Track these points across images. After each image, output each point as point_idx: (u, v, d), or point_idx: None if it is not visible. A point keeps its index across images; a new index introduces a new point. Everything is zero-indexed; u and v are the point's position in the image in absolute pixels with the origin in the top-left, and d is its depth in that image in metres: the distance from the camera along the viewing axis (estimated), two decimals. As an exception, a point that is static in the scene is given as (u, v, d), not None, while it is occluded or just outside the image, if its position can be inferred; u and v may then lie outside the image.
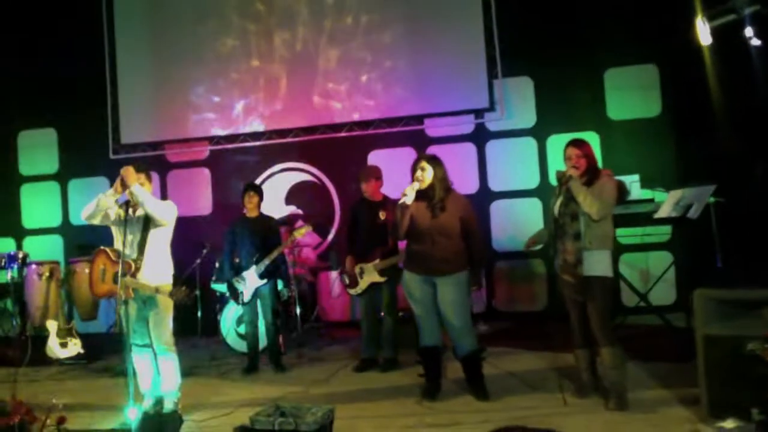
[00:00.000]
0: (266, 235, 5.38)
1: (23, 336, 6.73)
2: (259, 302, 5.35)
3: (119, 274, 3.74)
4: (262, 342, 5.44)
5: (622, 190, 4.97)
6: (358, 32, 7.33)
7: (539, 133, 6.94)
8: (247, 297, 5.30)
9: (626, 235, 6.45)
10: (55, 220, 8.14)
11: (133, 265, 3.85)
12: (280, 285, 6.25)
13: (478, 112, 7.02)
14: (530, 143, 6.98)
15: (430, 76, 7.02)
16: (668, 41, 6.24)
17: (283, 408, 3.42)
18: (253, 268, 5.24)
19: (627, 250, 6.63)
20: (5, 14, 7.87)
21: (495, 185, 7.08)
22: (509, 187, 7.01)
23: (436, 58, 7.01)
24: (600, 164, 6.48)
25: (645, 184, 5.54)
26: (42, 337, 6.10)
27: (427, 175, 4.00)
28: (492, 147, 7.09)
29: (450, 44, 6.98)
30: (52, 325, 5.99)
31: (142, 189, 3.93)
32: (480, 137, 7.10)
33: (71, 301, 6.89)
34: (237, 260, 5.40)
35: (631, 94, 6.74)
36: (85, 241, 7.07)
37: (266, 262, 5.23)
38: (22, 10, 7.87)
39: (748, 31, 3.92)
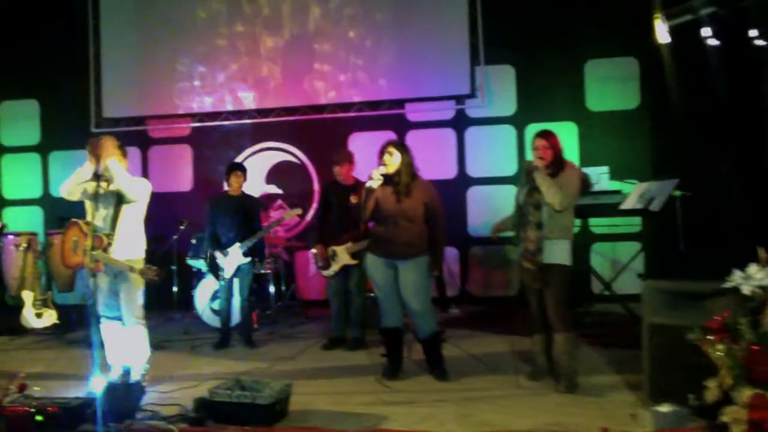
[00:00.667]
0: (248, 213, 5.46)
1: None
2: (236, 279, 5.44)
3: (89, 248, 3.81)
4: (235, 318, 5.55)
5: (585, 183, 5.06)
6: (343, 15, 7.36)
7: (519, 121, 7.02)
8: (228, 273, 5.38)
9: (598, 225, 6.60)
10: (36, 192, 8.16)
11: (105, 240, 3.91)
12: (259, 262, 6.34)
13: (459, 99, 7.09)
14: (509, 131, 7.06)
15: (413, 61, 7.08)
16: (649, 35, 6.30)
17: (243, 382, 3.52)
18: (237, 245, 5.32)
19: (598, 240, 6.76)
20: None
21: (473, 171, 7.17)
22: (487, 173, 7.10)
23: (419, 43, 7.06)
24: (577, 154, 6.72)
25: (616, 175, 5.66)
26: (18, 306, 6.17)
27: (393, 159, 4.08)
28: (471, 133, 7.17)
29: (434, 30, 7.02)
30: (27, 296, 6.05)
31: (118, 164, 3.98)
32: (460, 123, 7.18)
33: (48, 273, 6.94)
34: (218, 237, 5.46)
35: (610, 86, 6.82)
36: (65, 214, 7.01)
37: (252, 240, 5.32)
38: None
39: (706, 31, 3.99)
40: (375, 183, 4.00)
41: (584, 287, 6.54)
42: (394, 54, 7.18)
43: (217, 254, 5.41)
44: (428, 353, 4.18)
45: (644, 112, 6.71)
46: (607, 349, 4.66)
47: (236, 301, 5.49)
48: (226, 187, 5.64)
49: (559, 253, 3.67)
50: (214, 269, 5.47)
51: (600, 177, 5.38)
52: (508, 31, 6.90)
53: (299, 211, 5.72)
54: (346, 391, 3.89)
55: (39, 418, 3.24)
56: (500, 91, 7.02)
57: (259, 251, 6.14)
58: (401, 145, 4.19)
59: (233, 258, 5.36)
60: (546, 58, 6.82)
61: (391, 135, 6.94)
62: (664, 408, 3.08)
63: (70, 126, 7.72)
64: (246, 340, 5.37)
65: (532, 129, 6.87)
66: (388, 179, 4.08)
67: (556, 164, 3.76)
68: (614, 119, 6.79)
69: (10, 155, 8.26)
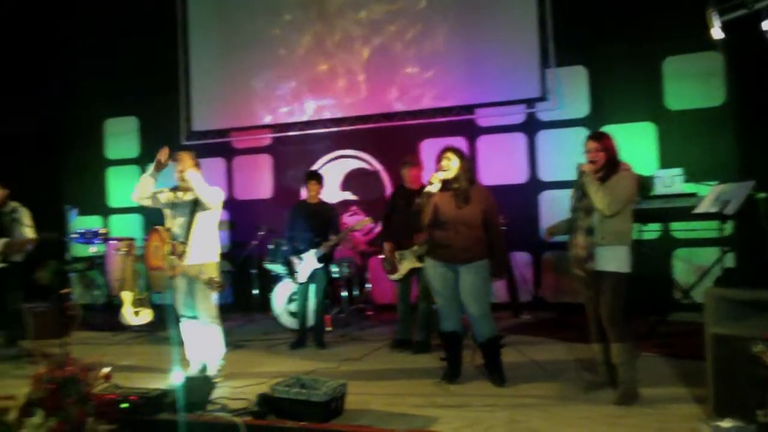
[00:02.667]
0: (325, 220, 5.70)
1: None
2: (311, 283, 5.69)
3: (167, 253, 4.19)
4: (311, 321, 5.80)
5: (642, 186, 4.88)
6: (411, 21, 7.49)
7: (592, 123, 6.81)
8: (303, 277, 5.64)
9: (680, 229, 6.30)
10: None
11: (179, 247, 4.28)
12: (334, 266, 6.60)
13: (530, 102, 7.00)
14: (582, 133, 6.86)
15: (482, 65, 7.08)
16: (734, 26, 5.95)
17: (303, 380, 3.73)
18: (312, 251, 5.58)
19: (680, 245, 6.45)
20: (90, 16, 8.62)
21: (545, 175, 7.06)
22: (560, 177, 6.94)
23: (488, 47, 7.06)
24: (656, 155, 6.45)
25: (694, 178, 5.39)
26: (120, 305, 6.79)
27: (452, 165, 4.15)
28: (543, 137, 7.07)
29: (502, 33, 7.00)
30: (126, 296, 6.66)
31: (196, 175, 4.34)
32: (531, 127, 7.10)
33: (145, 274, 7.57)
34: (296, 242, 5.72)
35: (691, 83, 6.48)
36: (159, 221, 7.73)
37: (326, 246, 5.55)
38: (102, 10, 8.58)
39: (765, 25, 3.73)
40: (434, 187, 4.10)
41: (665, 295, 6.25)
42: (463, 59, 7.21)
43: (294, 259, 5.68)
44: (487, 358, 4.21)
45: (729, 110, 6.32)
46: (678, 359, 4.47)
47: (311, 304, 5.74)
48: (304, 195, 5.88)
49: (612, 260, 3.57)
50: (291, 273, 5.76)
51: (673, 180, 5.15)
52: (578, 31, 6.74)
53: (370, 220, 5.91)
54: (402, 393, 4.00)
55: (123, 405, 3.61)
56: (572, 93, 6.87)
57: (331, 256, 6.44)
58: (459, 151, 4.25)
59: (308, 263, 5.61)
60: (620, 57, 6.60)
61: (461, 141, 7.01)
62: (727, 423, 2.95)
63: (164, 140, 8.24)
64: (318, 342, 5.60)
65: (606, 130, 6.71)
66: (446, 185, 4.17)
67: (609, 167, 3.66)
68: (696, 118, 6.44)
69: (114, 168, 9.06)
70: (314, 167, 7.83)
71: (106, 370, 3.51)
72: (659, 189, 5.23)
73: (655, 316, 5.63)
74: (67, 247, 7.79)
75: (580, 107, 6.89)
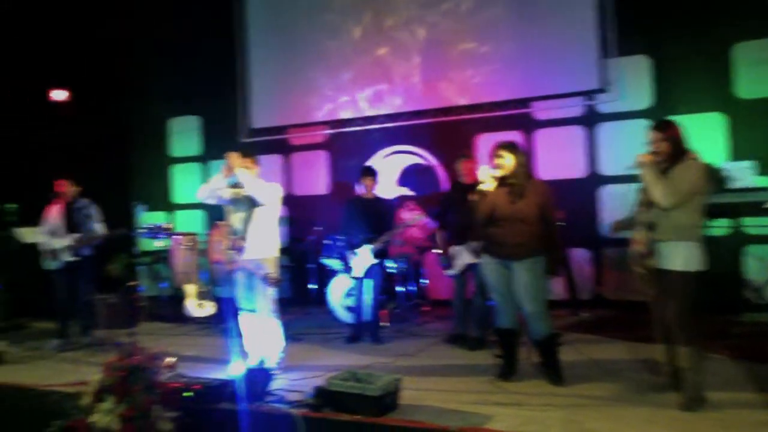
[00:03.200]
0: (381, 216, 5.71)
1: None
2: (367, 278, 5.72)
3: (227, 247, 4.33)
4: (366, 315, 5.85)
5: (714, 178, 4.63)
6: (465, 14, 7.42)
7: (655, 114, 6.53)
8: (359, 272, 5.70)
9: (753, 225, 5.99)
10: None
11: (238, 244, 4.41)
12: (390, 262, 6.64)
13: (589, 94, 6.81)
14: (645, 126, 6.61)
15: (538, 57, 6.93)
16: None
17: (358, 374, 3.78)
18: (368, 246, 5.62)
19: (753, 242, 6.13)
20: (154, 20, 8.96)
21: (605, 169, 6.85)
22: (621, 171, 6.71)
23: (544, 38, 6.90)
24: (725, 147, 6.15)
25: (765, 170, 5.11)
26: (184, 298, 7.05)
27: (506, 161, 4.10)
28: (603, 130, 6.85)
29: (559, 23, 6.82)
30: (190, 288, 6.90)
31: (245, 173, 4.45)
32: (590, 120, 6.89)
33: (207, 268, 7.82)
34: (351, 238, 5.77)
35: (764, 70, 6.12)
36: (221, 217, 7.98)
37: (381, 242, 5.58)
38: (165, 13, 8.89)
39: None
40: (487, 186, 4.06)
41: (736, 294, 5.97)
42: (518, 51, 7.08)
43: (349, 254, 5.74)
44: (543, 356, 4.15)
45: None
46: (749, 362, 4.26)
47: (366, 300, 5.78)
48: (360, 191, 5.94)
49: (676, 257, 3.40)
50: (347, 268, 5.83)
51: (744, 172, 4.90)
52: (642, 19, 6.48)
53: (421, 216, 5.87)
54: (457, 389, 3.98)
55: (187, 393, 3.76)
56: (634, 83, 6.62)
57: (388, 252, 6.48)
58: (512, 146, 4.18)
59: (364, 258, 5.66)
60: (686, 45, 6.31)
61: (517, 135, 6.89)
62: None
63: (224, 137, 8.60)
64: (373, 336, 5.64)
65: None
66: (501, 180, 4.12)
67: (674, 157, 3.46)
68: (769, 107, 6.10)
69: (179, 165, 9.40)
70: (369, 163, 7.88)
71: (171, 359, 3.67)
72: (728, 182, 4.98)
73: (724, 316, 5.39)
74: (135, 241, 8.14)
75: (643, 98, 6.64)
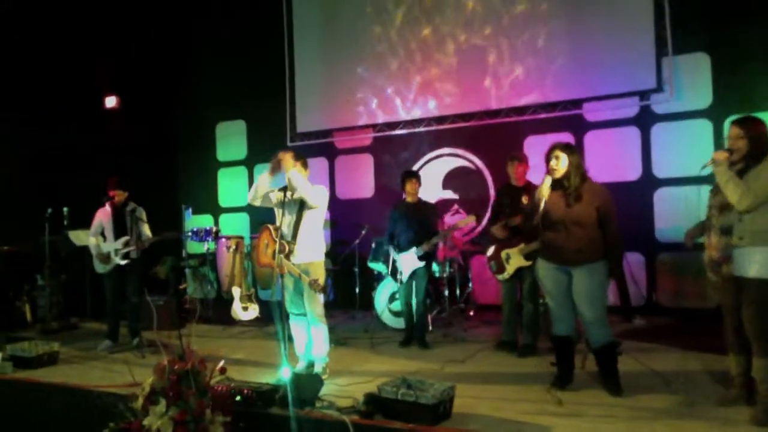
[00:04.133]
0: (424, 219, 5.65)
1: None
2: (413, 282, 5.66)
3: (276, 251, 4.30)
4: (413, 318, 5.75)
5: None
6: (514, 14, 7.27)
7: (715, 114, 6.30)
8: (405, 276, 5.62)
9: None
10: (244, 200, 9.26)
11: (287, 247, 4.37)
12: (434, 266, 6.54)
13: (644, 94, 6.57)
14: (704, 125, 6.38)
15: (591, 56, 6.75)
16: None
17: (409, 381, 3.68)
18: (414, 249, 5.54)
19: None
20: (203, 27, 9.11)
21: (660, 172, 6.60)
22: (677, 173, 6.48)
23: (597, 36, 6.71)
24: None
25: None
26: (230, 301, 7.09)
27: (561, 164, 3.95)
28: (658, 130, 6.61)
29: (613, 20, 6.62)
30: (236, 291, 6.93)
31: (297, 174, 4.42)
32: (645, 120, 6.65)
33: (252, 271, 7.86)
34: (397, 242, 5.71)
35: (833, 66, 5.82)
36: (265, 220, 8.02)
37: (428, 245, 5.49)
38: (214, 21, 9.01)
39: None
40: (545, 191, 3.91)
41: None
42: (569, 51, 6.90)
43: (395, 258, 5.67)
44: (601, 365, 3.98)
45: None
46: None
47: (413, 303, 5.68)
48: (404, 195, 5.82)
49: (753, 263, 3.16)
50: (393, 272, 5.75)
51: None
52: (701, 15, 6.24)
53: (473, 218, 5.76)
54: (511, 398, 3.86)
55: (237, 398, 3.74)
56: (692, 82, 6.36)
57: (434, 256, 6.38)
58: (568, 147, 4.02)
59: (410, 262, 5.58)
60: (749, 42, 6.03)
61: (567, 137, 6.70)
62: None
63: (270, 141, 8.67)
64: (420, 341, 5.55)
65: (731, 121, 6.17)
66: (557, 183, 3.97)
67: (755, 156, 3.21)
68: (842, 105, 5.77)
69: (225, 169, 9.51)
70: (415, 166, 7.82)
71: (221, 363, 3.65)
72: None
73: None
74: (182, 244, 8.25)
75: (702, 97, 6.37)
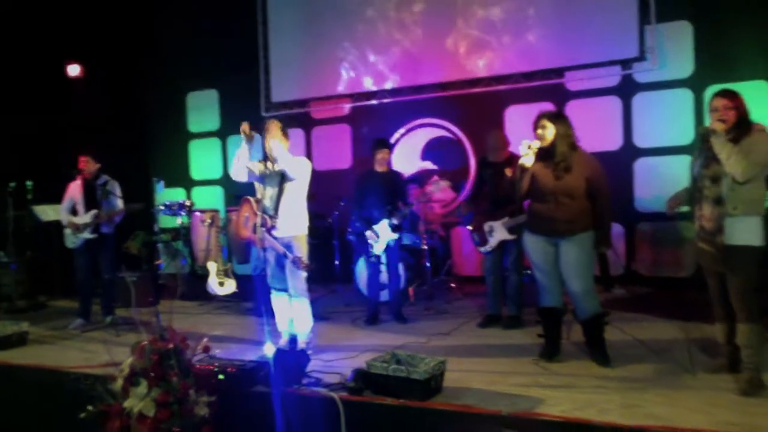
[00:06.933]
0: (395, 189, 5.44)
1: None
2: (385, 255, 5.45)
3: (258, 225, 4.15)
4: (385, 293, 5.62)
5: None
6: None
7: (697, 83, 6.28)
8: (378, 249, 5.44)
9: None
10: (217, 173, 9.04)
11: (269, 221, 4.22)
12: (409, 239, 6.43)
13: (626, 63, 6.50)
14: (685, 95, 6.36)
15: (572, 24, 6.64)
16: None
17: (399, 356, 3.62)
18: (385, 221, 5.35)
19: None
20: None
21: (641, 141, 6.59)
22: (658, 143, 6.48)
23: (580, 4, 6.59)
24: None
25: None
26: (206, 276, 6.92)
27: (548, 133, 3.87)
28: (640, 100, 6.57)
29: (595, -12, 6.51)
30: (212, 266, 6.75)
31: (278, 145, 4.24)
32: (626, 90, 6.61)
33: (228, 245, 7.69)
34: (365, 213, 5.46)
35: (815, 36, 5.83)
36: (241, 192, 7.79)
37: (399, 215, 5.31)
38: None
39: None
40: (528, 159, 3.83)
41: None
42: (551, 18, 6.77)
43: (367, 232, 5.39)
44: (589, 336, 3.96)
45: None
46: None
47: (386, 277, 5.52)
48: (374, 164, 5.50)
49: (745, 232, 3.20)
50: (365, 246, 5.50)
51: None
52: (685, -18, 6.18)
53: (445, 183, 5.59)
54: (502, 371, 3.82)
55: (221, 377, 3.62)
56: (674, 51, 6.31)
57: (414, 227, 6.28)
58: (556, 116, 3.94)
59: (382, 234, 5.38)
60: (731, 10, 6.00)
61: (549, 106, 6.60)
62: None
63: (244, 112, 8.34)
64: (396, 316, 5.43)
65: (713, 91, 6.14)
66: (544, 154, 3.89)
67: (740, 128, 3.26)
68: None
69: (196, 141, 9.21)
70: (394, 136, 7.67)
71: (205, 341, 3.52)
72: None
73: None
74: (154, 219, 8.00)
75: (684, 66, 6.34)
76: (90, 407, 3.21)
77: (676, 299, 5.77)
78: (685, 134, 6.34)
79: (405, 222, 5.92)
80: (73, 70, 8.25)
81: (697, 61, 6.29)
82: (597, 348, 3.92)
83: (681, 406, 3.06)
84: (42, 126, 7.80)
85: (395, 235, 5.37)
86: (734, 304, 3.30)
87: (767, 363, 3.31)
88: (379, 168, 5.46)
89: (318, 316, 5.42)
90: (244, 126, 4.30)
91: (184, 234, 7.88)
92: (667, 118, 6.40)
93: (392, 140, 7.76)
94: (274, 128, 4.27)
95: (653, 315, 5.19)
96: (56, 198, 6.05)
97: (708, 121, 3.43)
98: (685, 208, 3.67)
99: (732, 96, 3.33)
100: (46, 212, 7.01)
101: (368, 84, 7.84)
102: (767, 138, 3.25)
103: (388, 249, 5.42)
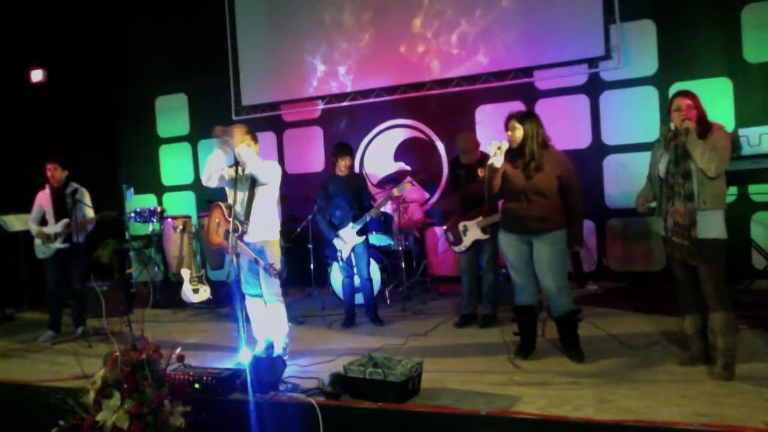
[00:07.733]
0: (358, 192, 5.42)
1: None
2: (354, 258, 5.41)
3: (230, 231, 4.10)
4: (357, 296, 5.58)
5: (735, 145, 4.53)
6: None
7: (661, 81, 6.41)
8: (345, 254, 5.38)
9: (759, 192, 5.91)
10: (188, 178, 8.91)
11: (240, 228, 4.17)
12: (383, 240, 6.41)
13: (592, 61, 6.60)
14: (650, 93, 6.48)
15: (540, 24, 6.71)
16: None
17: (376, 359, 3.61)
18: (350, 225, 5.32)
19: (760, 209, 6.06)
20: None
21: (609, 139, 6.70)
22: (625, 140, 6.59)
23: (545, 4, 6.66)
24: (732, 113, 6.03)
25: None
26: (179, 282, 6.82)
27: (516, 134, 3.92)
28: (607, 98, 6.68)
29: (560, -11, 6.59)
30: (185, 273, 6.66)
31: (247, 149, 4.20)
32: (594, 88, 6.70)
33: (202, 252, 7.60)
34: (330, 218, 5.44)
35: (775, 33, 5.98)
36: (213, 197, 7.71)
37: (365, 218, 5.28)
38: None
39: None
40: (497, 160, 3.86)
41: (743, 262, 5.89)
42: (519, 18, 6.83)
43: (335, 239, 5.36)
44: (563, 332, 4.02)
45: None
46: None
47: (357, 280, 5.49)
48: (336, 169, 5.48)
49: (714, 225, 3.35)
50: (333, 253, 5.47)
51: (761, 138, 4.76)
52: (647, -19, 6.30)
53: (408, 185, 5.59)
54: (478, 370, 3.85)
55: (196, 386, 3.58)
56: (639, 49, 6.43)
57: (388, 228, 6.27)
58: (526, 116, 3.98)
59: (348, 239, 5.34)
60: (692, 8, 6.15)
61: (518, 105, 6.69)
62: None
63: (214, 116, 8.24)
64: (372, 318, 5.43)
65: (676, 88, 6.26)
66: (515, 154, 3.93)
67: (702, 126, 3.40)
68: (779, 71, 5.96)
69: (167, 146, 9.07)
70: (366, 138, 7.67)
71: (178, 350, 3.47)
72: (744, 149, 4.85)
73: (735, 285, 5.31)
74: (125, 226, 7.87)
75: (648, 64, 6.46)
76: (62, 422, 3.14)
77: (646, 293, 5.88)
78: (651, 131, 6.38)
79: (378, 224, 5.91)
80: (36, 75, 8.06)
81: (661, 59, 6.42)
82: (571, 344, 3.97)
83: (654, 399, 3.12)
84: (3, 132, 7.60)
85: (361, 239, 5.35)
86: (708, 294, 3.40)
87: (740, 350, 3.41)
88: (341, 172, 5.45)
89: (294, 320, 5.41)
90: (217, 130, 4.26)
91: (156, 241, 7.78)
92: (634, 116, 6.52)
93: (365, 141, 7.78)
94: (238, 134, 4.21)
95: (625, 309, 5.29)
96: (19, 207, 5.90)
97: (668, 121, 3.54)
98: (653, 204, 3.76)
99: (693, 96, 3.47)
100: (13, 222, 6.83)
101: (339, 86, 7.82)
102: (727, 135, 3.40)
103: (356, 253, 5.40)
